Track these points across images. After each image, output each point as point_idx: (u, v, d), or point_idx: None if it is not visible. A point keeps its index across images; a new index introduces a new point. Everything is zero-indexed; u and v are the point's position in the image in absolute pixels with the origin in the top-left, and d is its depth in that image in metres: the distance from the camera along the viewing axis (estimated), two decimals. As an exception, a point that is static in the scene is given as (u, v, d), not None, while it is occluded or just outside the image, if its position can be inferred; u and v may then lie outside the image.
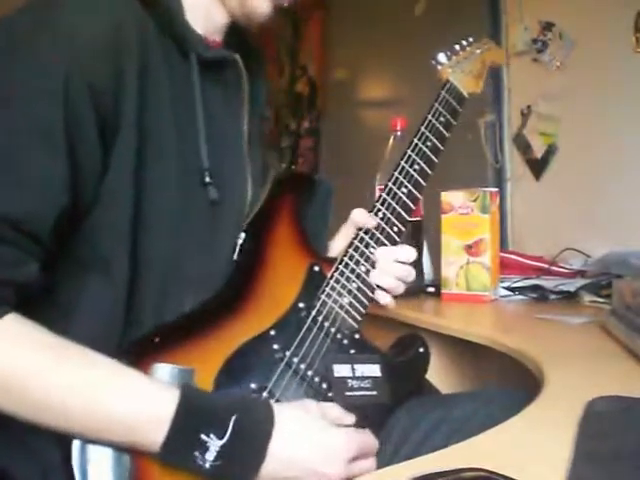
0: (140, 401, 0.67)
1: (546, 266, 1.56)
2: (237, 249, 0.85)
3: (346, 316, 0.85)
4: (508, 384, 1.36)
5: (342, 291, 0.86)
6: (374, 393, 0.83)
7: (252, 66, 0.91)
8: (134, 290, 0.75)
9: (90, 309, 0.74)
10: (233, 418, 0.67)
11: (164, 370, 0.71)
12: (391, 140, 1.49)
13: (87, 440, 0.67)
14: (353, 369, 0.83)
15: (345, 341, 0.85)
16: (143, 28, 0.75)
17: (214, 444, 0.66)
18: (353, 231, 0.90)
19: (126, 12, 0.74)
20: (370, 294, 0.88)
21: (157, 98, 0.75)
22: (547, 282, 1.46)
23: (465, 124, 1.52)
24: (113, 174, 0.72)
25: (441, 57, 0.96)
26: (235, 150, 0.88)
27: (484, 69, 1.01)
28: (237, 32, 0.91)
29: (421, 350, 0.92)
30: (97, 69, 0.70)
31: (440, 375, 1.29)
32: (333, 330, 0.84)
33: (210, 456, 0.66)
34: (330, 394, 0.81)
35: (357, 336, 0.86)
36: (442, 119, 0.93)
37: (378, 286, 0.88)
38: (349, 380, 0.82)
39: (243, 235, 0.85)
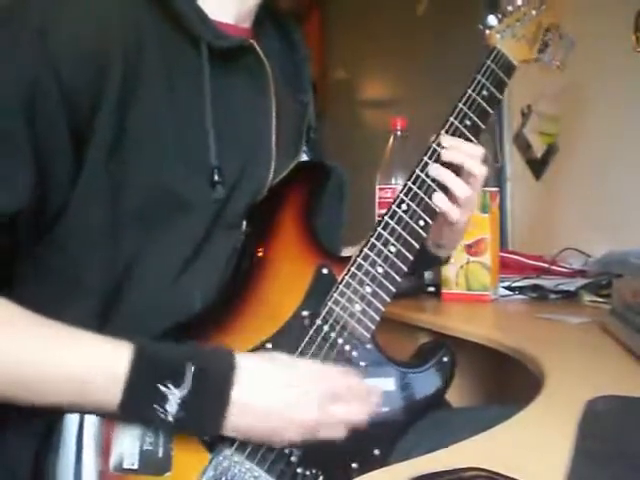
0: (93, 359, 0.65)
1: (546, 266, 1.55)
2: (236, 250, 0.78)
3: (357, 325, 0.76)
4: (508, 384, 1.36)
5: (353, 297, 0.77)
6: (384, 410, 0.77)
7: (290, 52, 0.89)
8: (114, 298, 0.72)
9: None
10: (191, 367, 0.65)
11: None
12: (391, 140, 1.49)
13: (40, 405, 0.64)
14: None
15: (354, 353, 0.77)
16: (136, 26, 0.71)
17: (173, 394, 0.64)
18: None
19: (114, 8, 0.70)
20: (387, 298, 0.78)
21: (148, 97, 0.71)
22: (547, 282, 1.46)
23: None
24: (87, 176, 0.69)
25: (490, 19, 0.85)
26: (259, 140, 0.82)
27: (539, 33, 0.88)
28: (271, 18, 0.87)
29: (445, 359, 0.83)
30: (71, 71, 0.66)
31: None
32: (340, 341, 0.76)
33: (172, 408, 0.64)
34: None
35: (369, 346, 0.79)
36: (485, 93, 0.83)
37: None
38: None
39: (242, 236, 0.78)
